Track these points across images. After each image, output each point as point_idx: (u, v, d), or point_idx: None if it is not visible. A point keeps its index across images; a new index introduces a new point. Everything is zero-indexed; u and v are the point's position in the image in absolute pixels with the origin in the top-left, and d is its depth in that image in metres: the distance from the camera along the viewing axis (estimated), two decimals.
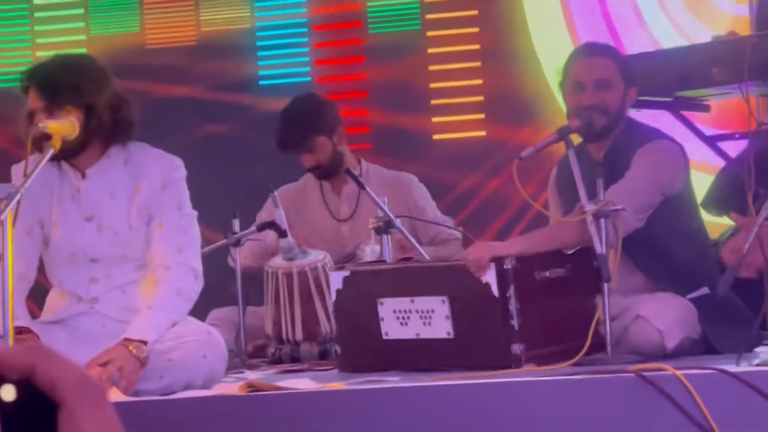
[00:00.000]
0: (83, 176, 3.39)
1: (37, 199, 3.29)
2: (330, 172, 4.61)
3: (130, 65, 5.73)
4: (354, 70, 5.69)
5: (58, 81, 3.25)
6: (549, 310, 3.42)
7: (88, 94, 3.24)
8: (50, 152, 3.11)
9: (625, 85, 3.69)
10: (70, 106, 3.22)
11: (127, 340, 3.15)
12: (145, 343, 3.14)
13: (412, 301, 3.45)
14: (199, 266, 3.34)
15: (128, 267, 3.37)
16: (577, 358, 3.23)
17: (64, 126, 3.16)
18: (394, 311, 3.47)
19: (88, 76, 3.28)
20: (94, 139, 3.28)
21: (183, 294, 3.28)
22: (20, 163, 3.29)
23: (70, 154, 3.28)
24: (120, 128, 3.31)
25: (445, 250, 4.49)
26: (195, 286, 3.31)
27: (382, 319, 3.49)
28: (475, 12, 5.55)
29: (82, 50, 5.52)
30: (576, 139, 3.67)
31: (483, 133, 5.55)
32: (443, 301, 3.39)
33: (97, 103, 3.25)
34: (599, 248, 3.34)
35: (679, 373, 2.77)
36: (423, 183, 4.73)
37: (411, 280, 3.50)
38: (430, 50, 5.60)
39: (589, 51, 3.83)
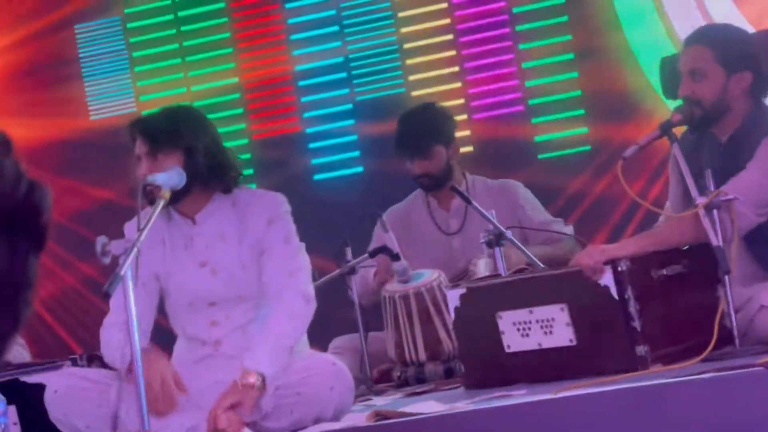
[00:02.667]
0: (194, 222, 3.48)
1: (150, 252, 3.37)
2: (438, 183, 4.63)
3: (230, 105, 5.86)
4: (447, 81, 5.69)
5: (158, 127, 3.39)
6: (670, 307, 3.38)
7: (185, 138, 3.35)
8: (161, 203, 3.19)
9: (728, 73, 3.59)
10: (170, 149, 3.33)
11: (245, 371, 3.20)
12: (262, 375, 3.19)
13: (531, 312, 3.43)
14: (310, 290, 3.38)
15: (246, 306, 3.43)
16: (705, 354, 3.18)
17: (172, 177, 3.25)
18: (514, 323, 3.46)
19: (186, 122, 3.41)
20: (196, 182, 3.37)
21: (295, 318, 3.32)
22: (132, 220, 3.38)
23: (174, 199, 3.37)
24: (219, 173, 3.40)
25: (560, 248, 4.47)
26: (306, 309, 3.36)
27: (503, 333, 3.48)
28: (565, 18, 5.51)
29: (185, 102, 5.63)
30: None
31: (585, 134, 5.50)
32: (562, 309, 3.37)
33: (195, 147, 3.35)
34: (715, 241, 3.28)
35: None
36: (528, 189, 4.72)
37: (528, 290, 3.48)
38: (525, 65, 5.58)
39: (688, 39, 3.73)
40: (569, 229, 4.61)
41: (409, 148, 4.61)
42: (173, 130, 3.37)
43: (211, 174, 3.39)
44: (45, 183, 0.92)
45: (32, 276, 0.87)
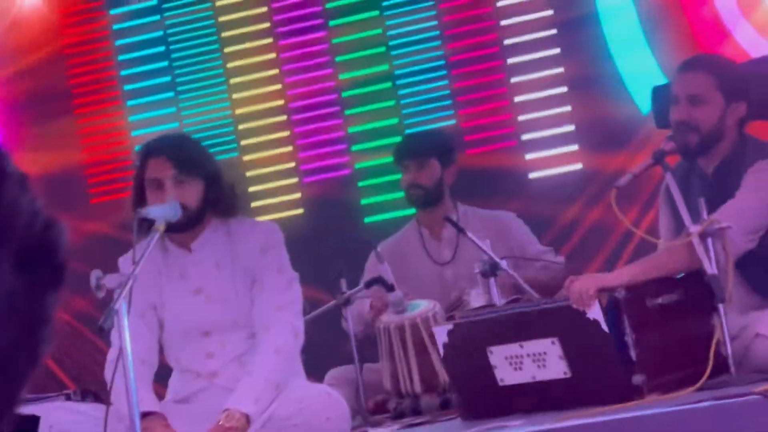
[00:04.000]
0: (189, 251, 3.47)
1: (146, 284, 3.36)
2: (427, 198, 4.63)
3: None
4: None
5: (188, 153, 3.37)
6: (666, 336, 3.37)
7: (210, 167, 3.36)
8: (156, 237, 3.18)
9: (727, 101, 3.60)
10: (196, 176, 3.33)
11: (229, 413, 3.17)
12: (245, 415, 3.17)
13: (522, 346, 3.42)
14: (299, 324, 3.38)
15: (241, 335, 3.42)
16: (701, 383, 3.17)
17: (166, 210, 3.24)
18: (506, 357, 3.46)
19: (209, 153, 3.45)
20: (212, 210, 3.38)
21: (282, 353, 3.31)
22: (127, 254, 3.37)
23: (184, 227, 3.36)
24: (233, 204, 3.41)
25: (546, 273, 4.47)
26: (294, 343, 3.35)
27: (495, 367, 3.47)
28: (557, 50, 5.53)
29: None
30: None
31: (578, 164, 5.50)
32: (553, 343, 3.37)
33: (218, 178, 3.36)
34: (710, 269, 3.28)
35: None
36: (522, 220, 4.72)
37: (517, 325, 3.47)
38: (517, 98, 5.59)
39: (686, 65, 3.74)
40: (560, 260, 4.61)
41: (403, 154, 4.64)
42: (202, 159, 3.37)
43: (225, 204, 3.40)
44: (60, 220, 0.92)
45: (51, 313, 0.88)
